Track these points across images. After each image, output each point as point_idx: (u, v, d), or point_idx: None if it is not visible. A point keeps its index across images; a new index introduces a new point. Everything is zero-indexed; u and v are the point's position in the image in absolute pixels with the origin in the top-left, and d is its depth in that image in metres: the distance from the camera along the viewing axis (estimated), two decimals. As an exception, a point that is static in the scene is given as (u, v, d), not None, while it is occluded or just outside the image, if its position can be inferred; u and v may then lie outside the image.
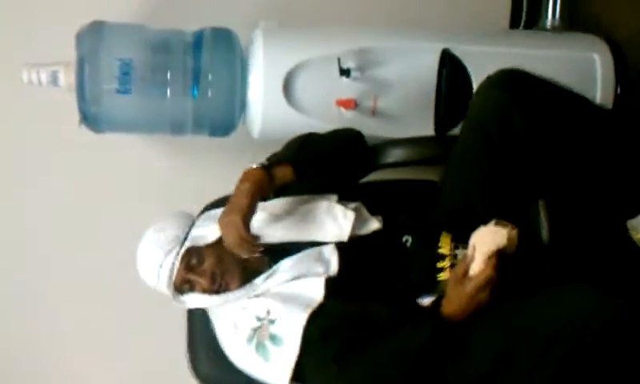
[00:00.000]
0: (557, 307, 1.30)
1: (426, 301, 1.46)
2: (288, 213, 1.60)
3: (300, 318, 1.45)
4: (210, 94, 1.85)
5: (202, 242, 1.57)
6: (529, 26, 2.36)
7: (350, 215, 1.55)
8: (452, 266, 1.47)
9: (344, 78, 1.83)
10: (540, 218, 1.56)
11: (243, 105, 1.89)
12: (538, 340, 1.29)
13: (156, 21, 1.94)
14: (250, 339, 1.51)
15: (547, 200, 1.56)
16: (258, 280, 1.55)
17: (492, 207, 1.49)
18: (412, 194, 1.75)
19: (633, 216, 1.59)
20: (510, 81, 1.51)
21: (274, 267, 1.56)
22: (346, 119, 1.85)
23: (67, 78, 1.80)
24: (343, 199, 1.61)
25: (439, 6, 2.26)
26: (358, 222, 1.57)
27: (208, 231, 1.57)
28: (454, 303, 1.35)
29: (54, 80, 1.81)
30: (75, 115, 1.81)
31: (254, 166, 1.55)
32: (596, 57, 1.98)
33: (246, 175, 1.54)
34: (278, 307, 1.49)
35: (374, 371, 1.41)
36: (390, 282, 1.54)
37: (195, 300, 1.58)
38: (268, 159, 1.59)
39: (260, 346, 1.49)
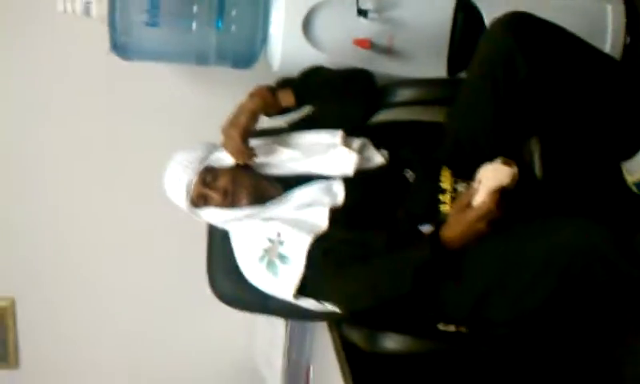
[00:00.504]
0: (549, 236, 1.42)
1: (426, 228, 1.58)
2: (298, 147, 1.73)
3: (305, 240, 1.60)
4: (233, 27, 1.96)
5: (218, 164, 1.72)
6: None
7: (354, 156, 1.65)
8: (453, 199, 1.57)
9: (361, 18, 1.91)
10: (534, 154, 1.63)
11: (264, 39, 1.99)
12: (531, 266, 1.41)
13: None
14: (261, 258, 1.65)
15: (542, 138, 1.63)
16: (270, 204, 1.70)
17: (495, 147, 1.58)
18: (418, 133, 1.82)
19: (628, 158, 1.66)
20: (517, 24, 1.56)
21: (286, 195, 1.70)
22: (362, 57, 1.94)
23: (99, 10, 1.91)
24: (350, 135, 1.72)
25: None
26: (364, 156, 1.69)
27: (227, 156, 1.71)
28: (454, 229, 1.47)
29: (86, 10, 1.92)
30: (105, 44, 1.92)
31: (260, 86, 1.70)
32: (608, 6, 2.03)
33: (253, 92, 1.69)
34: (287, 230, 1.63)
35: (371, 282, 1.55)
36: (392, 213, 1.65)
37: (209, 213, 1.73)
38: (276, 82, 1.74)
39: (270, 264, 1.64)
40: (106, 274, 2.42)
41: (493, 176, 1.44)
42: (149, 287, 2.44)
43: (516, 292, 1.45)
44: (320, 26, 1.94)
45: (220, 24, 1.95)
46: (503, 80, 1.55)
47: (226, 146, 1.68)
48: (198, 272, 1.90)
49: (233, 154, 1.67)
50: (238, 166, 1.71)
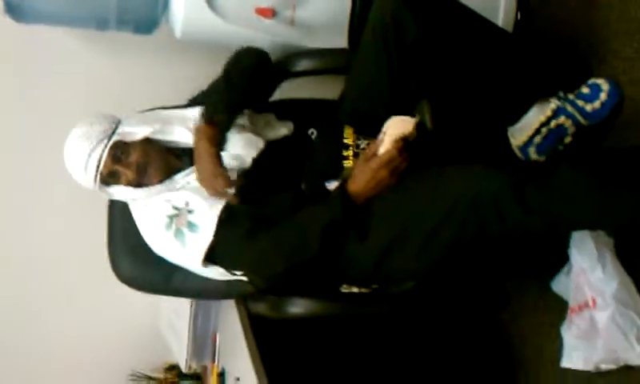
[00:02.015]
0: (450, 185, 1.47)
1: (332, 185, 1.61)
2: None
3: (215, 208, 1.61)
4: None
5: (129, 138, 1.67)
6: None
7: (260, 141, 1.68)
8: (355, 155, 1.62)
9: (265, -13, 1.92)
10: (425, 115, 1.66)
11: (166, 3, 1.97)
12: (433, 215, 1.46)
13: None
14: (167, 226, 1.65)
15: (432, 100, 1.67)
16: (178, 176, 1.69)
17: (389, 107, 1.63)
18: (321, 106, 1.88)
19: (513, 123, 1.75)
20: None
21: (193, 167, 1.70)
22: (264, 26, 1.95)
23: (-8, -31, 1.84)
24: (256, 112, 1.76)
25: None
26: (268, 129, 1.72)
27: (137, 129, 1.69)
28: (359, 181, 1.51)
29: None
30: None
31: (201, 125, 1.68)
32: (500, -18, 2.11)
33: (200, 135, 1.66)
34: (196, 200, 1.64)
35: (280, 246, 1.57)
36: (298, 173, 1.68)
37: (120, 192, 1.70)
38: (205, 113, 1.70)
39: (178, 233, 1.64)
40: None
41: (396, 126, 1.51)
42: (48, 259, 2.36)
43: (418, 243, 1.49)
44: (222, -7, 1.93)
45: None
46: (394, 42, 1.61)
47: (203, 177, 1.64)
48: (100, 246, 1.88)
49: (211, 181, 1.63)
50: (146, 139, 1.68)
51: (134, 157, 1.66)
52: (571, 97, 1.66)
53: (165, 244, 1.68)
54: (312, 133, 1.71)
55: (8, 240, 2.26)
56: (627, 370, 1.62)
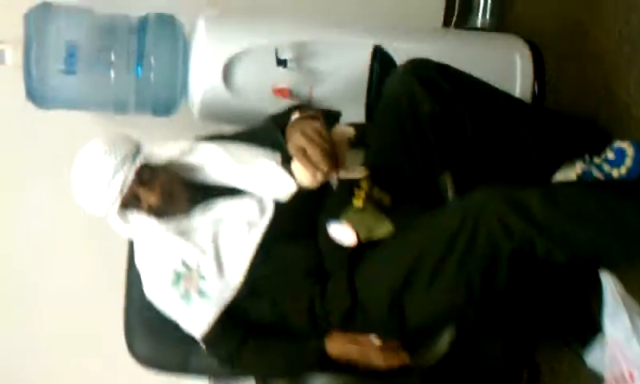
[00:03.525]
0: (454, 209, 1.47)
1: (333, 226, 1.56)
2: (233, 157, 1.67)
3: (231, 286, 1.59)
4: (152, 74, 1.95)
5: (154, 160, 1.62)
6: (460, 25, 2.49)
7: (292, 184, 1.59)
8: (367, 197, 1.56)
9: (281, 68, 1.93)
10: (447, 187, 1.68)
11: (185, 87, 1.99)
12: (441, 239, 1.44)
13: (102, 4, 2.02)
14: (174, 283, 1.61)
15: (454, 172, 1.69)
16: (197, 212, 1.64)
17: (408, 179, 1.63)
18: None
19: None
20: (418, 65, 1.63)
21: (208, 204, 1.65)
22: (283, 107, 1.96)
23: (15, 57, 1.89)
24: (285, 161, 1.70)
25: (375, 4, 2.37)
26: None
27: (162, 151, 1.64)
28: (339, 351, 1.58)
29: (1, 58, 1.90)
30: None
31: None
32: (517, 57, 2.11)
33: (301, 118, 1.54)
34: (210, 266, 1.60)
35: (265, 361, 1.63)
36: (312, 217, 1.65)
37: (138, 220, 1.60)
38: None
39: (186, 295, 1.60)
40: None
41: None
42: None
43: (428, 273, 1.46)
44: (240, 74, 1.96)
45: (139, 72, 1.94)
46: (408, 114, 1.60)
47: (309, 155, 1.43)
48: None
49: (319, 164, 1.43)
50: (171, 165, 1.63)
51: (160, 181, 1.61)
52: (597, 161, 1.63)
53: (168, 300, 1.64)
54: (333, 184, 1.64)
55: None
56: None
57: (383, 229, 1.55)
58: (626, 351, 1.55)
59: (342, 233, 1.55)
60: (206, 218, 1.64)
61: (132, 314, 1.83)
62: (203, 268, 1.60)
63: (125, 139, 1.63)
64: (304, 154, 1.43)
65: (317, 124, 1.47)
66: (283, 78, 1.96)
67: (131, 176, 1.56)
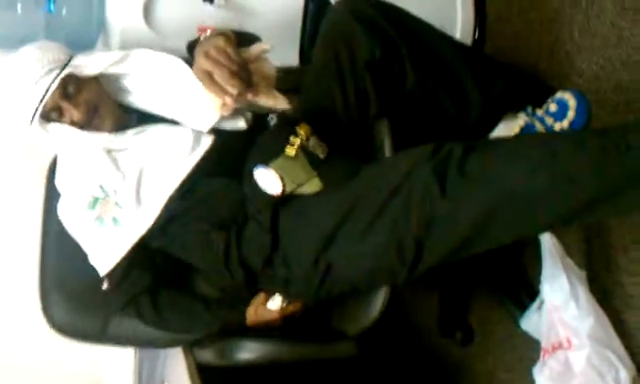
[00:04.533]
0: (397, 164, 1.37)
1: (260, 171, 1.45)
2: (165, 85, 1.57)
3: (146, 220, 1.50)
4: (64, 9, 1.77)
5: (84, 72, 1.51)
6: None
7: (216, 114, 1.49)
8: (302, 148, 1.45)
9: (207, 4, 1.80)
10: (384, 135, 1.59)
11: (101, 25, 1.82)
12: (381, 191, 1.35)
13: None
14: (90, 206, 1.52)
15: (393, 119, 1.59)
16: (130, 132, 1.53)
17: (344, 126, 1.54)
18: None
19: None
20: (356, 3, 1.52)
21: (146, 127, 1.54)
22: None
23: None
24: None
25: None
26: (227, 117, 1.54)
27: (92, 63, 1.53)
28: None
29: None
30: None
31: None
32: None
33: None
34: (129, 194, 1.50)
35: (167, 318, 1.59)
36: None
37: (59, 131, 1.51)
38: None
39: (99, 220, 1.52)
40: None
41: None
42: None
43: (365, 221, 1.36)
44: (163, 10, 1.80)
45: (51, 6, 1.76)
46: (344, 58, 1.50)
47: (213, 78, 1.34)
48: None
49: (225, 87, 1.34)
50: (97, 79, 1.53)
51: (86, 95, 1.51)
52: (540, 113, 1.56)
53: (81, 222, 1.55)
54: (271, 119, 1.56)
55: None
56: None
57: (311, 186, 1.45)
58: (564, 315, 1.53)
59: (268, 180, 1.45)
60: (136, 141, 1.53)
61: (48, 271, 1.71)
62: (121, 195, 1.50)
63: (57, 49, 1.53)
64: (210, 77, 1.32)
65: (221, 42, 1.36)
66: (210, 16, 1.81)
67: (54, 86, 1.47)
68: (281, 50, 1.88)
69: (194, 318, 1.58)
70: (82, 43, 1.83)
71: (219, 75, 1.32)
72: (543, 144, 1.29)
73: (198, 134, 1.53)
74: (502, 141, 1.47)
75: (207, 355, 1.59)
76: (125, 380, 2.00)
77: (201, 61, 1.35)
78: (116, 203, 1.51)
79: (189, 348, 1.63)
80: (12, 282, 2.09)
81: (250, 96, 1.39)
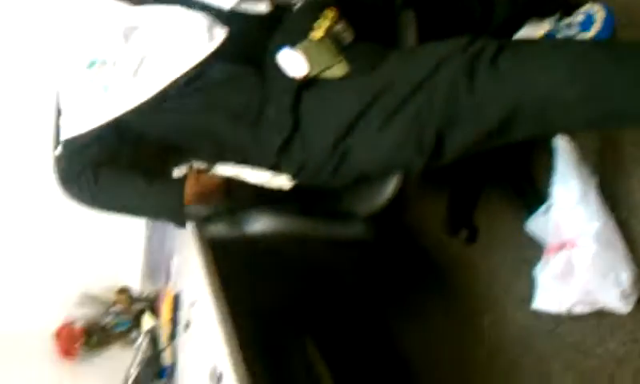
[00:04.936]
0: (428, 55, 1.36)
1: (285, 53, 1.45)
2: None
3: (138, 98, 1.49)
4: None
5: None
6: None
7: None
8: (328, 30, 1.45)
9: None
10: (409, 26, 1.57)
11: None
12: (409, 80, 1.34)
13: None
14: (88, 66, 1.52)
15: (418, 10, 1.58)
16: (146, 6, 1.53)
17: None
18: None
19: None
20: None
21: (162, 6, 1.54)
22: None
23: None
24: None
25: None
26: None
27: None
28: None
29: None
30: None
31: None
32: None
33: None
34: (128, 70, 1.50)
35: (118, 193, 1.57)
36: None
37: None
38: None
39: (90, 81, 1.52)
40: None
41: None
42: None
43: (384, 112, 1.36)
44: None
45: None
46: None
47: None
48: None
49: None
50: None
51: None
52: (566, 22, 1.56)
53: (72, 77, 1.55)
54: (295, 3, 1.55)
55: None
56: (599, 314, 1.56)
57: (337, 69, 1.43)
58: (572, 217, 1.55)
59: (293, 61, 1.43)
60: (150, 19, 1.53)
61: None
62: (120, 67, 1.50)
63: None
64: None
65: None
66: None
67: None
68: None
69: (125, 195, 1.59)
70: None
71: None
72: (581, 55, 1.27)
73: (211, 23, 1.51)
74: (536, 43, 1.45)
75: (219, 228, 1.60)
76: (134, 253, 2.05)
77: None
78: (112, 73, 1.50)
79: (199, 220, 1.64)
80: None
81: None
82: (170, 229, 1.99)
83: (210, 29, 1.51)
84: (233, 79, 1.52)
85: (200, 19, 1.51)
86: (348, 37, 1.46)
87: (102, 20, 1.54)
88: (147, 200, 1.56)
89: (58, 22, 1.70)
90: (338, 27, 1.47)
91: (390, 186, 1.50)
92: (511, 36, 1.63)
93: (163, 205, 1.56)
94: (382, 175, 1.52)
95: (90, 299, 2.26)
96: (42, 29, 1.83)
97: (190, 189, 1.53)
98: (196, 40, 1.50)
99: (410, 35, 1.57)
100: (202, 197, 1.53)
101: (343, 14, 1.48)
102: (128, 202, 1.58)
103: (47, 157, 1.72)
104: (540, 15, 1.63)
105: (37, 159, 1.97)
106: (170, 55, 1.51)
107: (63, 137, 1.56)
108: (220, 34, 1.51)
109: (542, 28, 1.61)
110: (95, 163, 1.55)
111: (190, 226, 1.68)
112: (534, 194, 1.72)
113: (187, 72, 1.49)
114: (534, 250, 1.71)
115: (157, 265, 2.06)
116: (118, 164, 1.57)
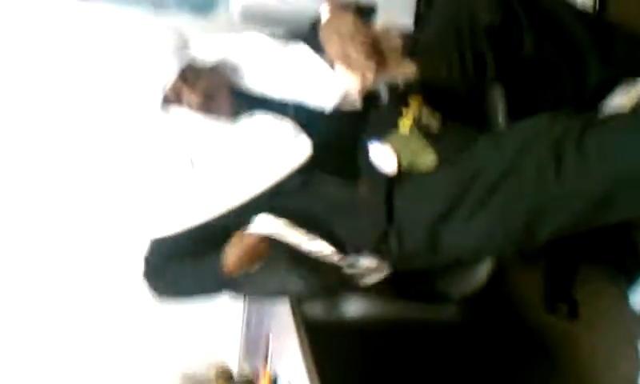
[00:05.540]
0: (515, 133, 1.36)
1: (375, 146, 1.47)
2: (280, 64, 1.56)
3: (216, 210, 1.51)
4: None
5: (199, 64, 1.53)
6: None
7: (342, 88, 1.48)
8: (416, 119, 1.46)
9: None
10: (498, 102, 1.58)
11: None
12: (494, 166, 1.34)
13: None
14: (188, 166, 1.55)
15: (507, 86, 1.58)
16: (243, 119, 1.53)
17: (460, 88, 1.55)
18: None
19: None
20: None
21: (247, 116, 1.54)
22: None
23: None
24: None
25: None
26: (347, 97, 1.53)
27: (209, 54, 1.55)
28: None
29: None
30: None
31: None
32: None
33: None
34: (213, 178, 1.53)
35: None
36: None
37: (179, 114, 1.53)
38: None
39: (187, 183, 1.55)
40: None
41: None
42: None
43: (475, 198, 1.35)
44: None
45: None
46: (467, 20, 1.50)
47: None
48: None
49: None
50: (214, 69, 1.54)
51: (204, 83, 1.51)
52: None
53: (172, 175, 1.57)
54: (381, 91, 1.56)
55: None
56: None
57: (427, 160, 1.45)
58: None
59: (384, 156, 1.46)
60: (242, 129, 1.55)
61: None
62: (210, 171, 1.53)
63: (177, 35, 1.53)
64: (349, 58, 1.36)
65: (350, 21, 1.38)
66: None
67: (176, 71, 1.47)
68: (395, 17, 1.92)
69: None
70: (206, 2, 1.91)
71: (356, 55, 1.34)
72: None
73: (298, 132, 1.51)
74: (620, 115, 1.42)
75: (315, 310, 1.62)
76: (233, 330, 2.07)
77: (334, 41, 1.37)
78: (203, 176, 1.53)
79: (296, 301, 1.66)
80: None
81: (384, 70, 1.41)
82: (269, 306, 2.03)
83: (296, 133, 1.51)
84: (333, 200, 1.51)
85: (285, 125, 1.52)
86: (434, 122, 1.47)
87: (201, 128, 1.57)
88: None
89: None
90: (424, 114, 1.48)
91: (484, 270, 1.51)
92: (602, 98, 1.60)
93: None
94: (475, 261, 1.52)
95: (190, 380, 2.29)
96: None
97: (231, 256, 1.50)
98: (281, 147, 1.50)
99: (500, 112, 1.57)
100: (247, 259, 1.50)
101: (428, 99, 1.50)
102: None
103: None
104: (631, 75, 1.59)
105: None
106: (254, 166, 1.52)
107: (153, 236, 1.59)
108: (304, 145, 1.51)
109: (635, 90, 1.56)
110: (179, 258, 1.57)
111: (286, 307, 1.70)
112: (637, 269, 1.66)
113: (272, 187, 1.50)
114: (638, 324, 1.65)
115: (256, 343, 2.08)
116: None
